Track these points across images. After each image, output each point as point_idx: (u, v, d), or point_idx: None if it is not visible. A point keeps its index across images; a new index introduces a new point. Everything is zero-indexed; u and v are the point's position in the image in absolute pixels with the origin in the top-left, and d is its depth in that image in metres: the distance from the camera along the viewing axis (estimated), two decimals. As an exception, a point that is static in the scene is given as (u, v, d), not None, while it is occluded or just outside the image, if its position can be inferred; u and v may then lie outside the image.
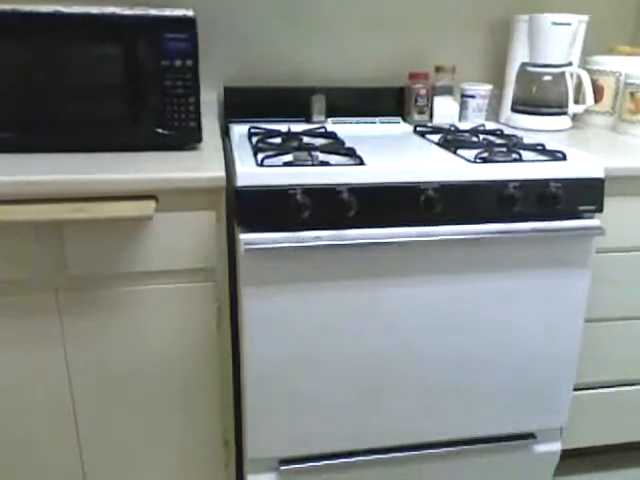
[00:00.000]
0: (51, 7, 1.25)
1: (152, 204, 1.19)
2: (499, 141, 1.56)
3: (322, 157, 1.33)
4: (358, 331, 1.32)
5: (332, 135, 1.55)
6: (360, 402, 1.38)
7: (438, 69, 1.77)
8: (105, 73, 1.30)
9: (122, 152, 1.32)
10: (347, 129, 1.68)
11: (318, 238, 1.23)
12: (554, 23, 1.67)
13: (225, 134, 1.68)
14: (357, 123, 1.75)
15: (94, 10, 1.27)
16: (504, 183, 1.29)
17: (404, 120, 1.80)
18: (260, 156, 1.31)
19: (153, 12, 1.30)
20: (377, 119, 1.78)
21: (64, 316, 1.25)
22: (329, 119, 1.74)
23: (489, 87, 1.81)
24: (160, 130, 1.34)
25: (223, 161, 1.29)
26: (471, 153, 1.39)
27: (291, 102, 1.73)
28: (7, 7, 1.24)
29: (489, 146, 1.47)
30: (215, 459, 1.45)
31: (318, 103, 1.71)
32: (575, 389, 1.54)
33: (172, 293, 1.28)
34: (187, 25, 1.30)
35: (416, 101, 1.76)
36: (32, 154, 1.28)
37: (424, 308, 1.33)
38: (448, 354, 1.38)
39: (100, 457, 1.38)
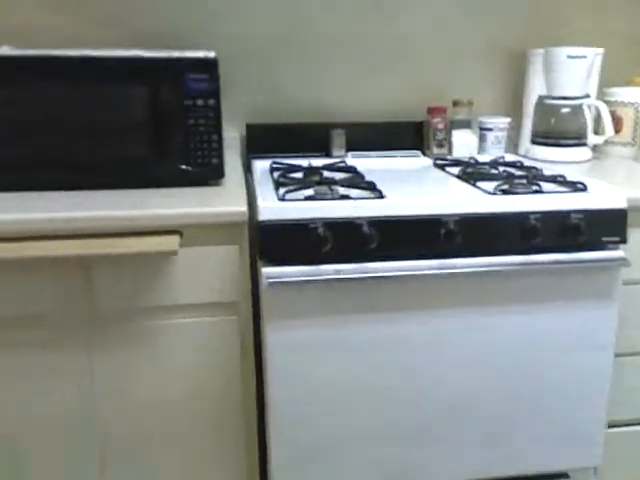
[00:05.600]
0: (80, 51, 1.30)
1: (177, 239, 1.21)
2: (519, 173, 1.57)
3: (342, 191, 1.35)
4: (380, 364, 1.31)
5: (352, 169, 1.57)
6: (386, 441, 1.36)
7: (455, 103, 1.80)
8: (131, 113, 1.34)
9: (147, 188, 1.35)
10: (367, 163, 1.70)
11: (339, 271, 1.23)
12: (570, 56, 1.69)
13: (247, 169, 1.71)
14: (377, 157, 1.77)
15: (120, 53, 1.32)
16: (525, 215, 1.29)
17: (424, 154, 1.82)
18: (281, 190, 1.33)
19: (176, 54, 1.34)
20: (397, 153, 1.80)
21: (91, 350, 1.27)
22: (349, 153, 1.77)
23: (507, 120, 1.82)
24: (184, 167, 1.37)
25: (245, 196, 1.31)
26: (491, 185, 1.39)
27: (311, 137, 1.76)
28: (39, 51, 1.29)
29: (509, 178, 1.48)
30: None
31: (338, 138, 1.74)
32: (609, 426, 1.50)
33: (196, 327, 1.29)
34: (209, 66, 1.34)
35: (435, 135, 1.78)
36: (61, 192, 1.32)
37: (445, 342, 1.32)
38: (472, 391, 1.36)
39: (123, 493, 1.38)
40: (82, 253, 1.15)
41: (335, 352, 1.28)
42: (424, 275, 1.26)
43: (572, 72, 1.71)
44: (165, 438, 1.35)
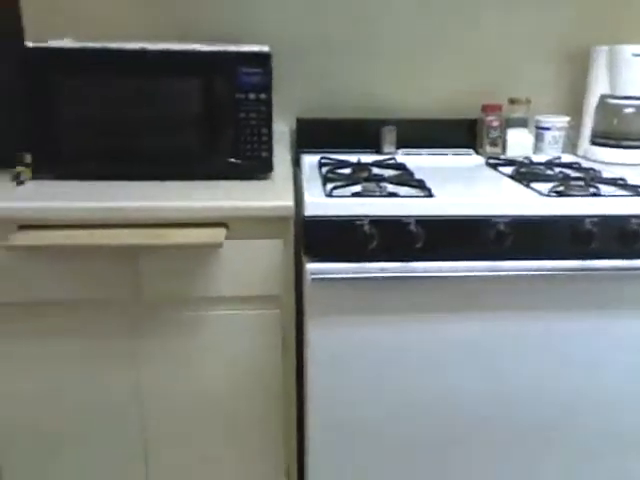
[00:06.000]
0: (137, 44, 1.33)
1: (223, 231, 1.22)
2: (576, 174, 1.51)
3: (391, 188, 1.32)
4: (420, 366, 1.29)
5: (402, 166, 1.55)
6: (427, 443, 1.34)
7: (512, 101, 1.74)
8: (183, 105, 1.36)
9: (197, 180, 1.37)
10: (417, 161, 1.67)
11: (384, 270, 1.22)
12: (635, 54, 1.61)
13: (296, 164, 1.71)
14: (428, 155, 1.74)
15: (176, 47, 1.34)
16: (580, 218, 1.24)
17: (476, 152, 1.78)
18: (329, 186, 1.32)
19: (231, 48, 1.35)
20: (448, 151, 1.76)
21: (137, 337, 1.29)
22: (399, 150, 1.74)
23: (566, 119, 1.76)
24: (233, 160, 1.38)
25: (292, 191, 1.31)
26: (545, 186, 1.34)
27: (362, 133, 1.74)
28: (97, 44, 1.33)
29: (565, 179, 1.42)
30: (275, 489, 1.44)
31: (389, 134, 1.72)
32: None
33: (239, 319, 1.30)
34: (262, 60, 1.34)
35: (488, 133, 1.73)
36: (113, 182, 1.35)
37: (490, 346, 1.28)
38: (511, 397, 1.32)
39: (165, 477, 1.41)
40: (131, 243, 1.18)
41: (376, 351, 1.27)
42: (471, 277, 1.23)
43: (637, 71, 1.63)
44: (207, 426, 1.37)
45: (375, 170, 1.50)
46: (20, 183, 1.35)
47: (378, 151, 1.73)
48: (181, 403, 1.35)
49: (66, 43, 1.38)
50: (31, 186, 1.33)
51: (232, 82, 1.35)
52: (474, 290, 1.25)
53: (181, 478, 1.41)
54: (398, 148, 1.74)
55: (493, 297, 1.26)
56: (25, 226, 1.21)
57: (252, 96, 1.35)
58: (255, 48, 1.36)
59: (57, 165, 1.37)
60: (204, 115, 1.36)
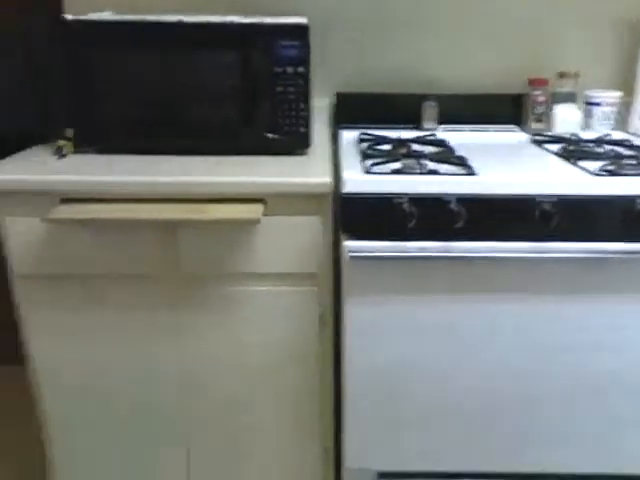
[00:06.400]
0: (174, 17, 1.31)
1: (260, 208, 1.21)
2: (628, 152, 1.44)
3: (431, 166, 1.29)
4: (459, 346, 1.26)
5: (443, 143, 1.50)
6: (464, 420, 1.32)
7: (561, 75, 1.67)
8: (220, 79, 1.34)
9: (233, 155, 1.36)
10: (459, 137, 1.62)
11: (423, 249, 1.19)
12: (697, 24, 1.52)
13: (335, 140, 1.68)
14: (470, 131, 1.68)
15: (214, 19, 1.32)
16: (632, 199, 1.18)
17: (521, 129, 1.72)
18: (368, 163, 1.29)
19: (268, 20, 1.33)
20: (492, 127, 1.70)
21: (177, 311, 1.31)
22: (441, 126, 1.69)
23: (618, 94, 1.67)
24: (270, 135, 1.36)
25: (331, 167, 1.29)
26: (595, 165, 1.29)
27: (402, 109, 1.70)
28: (135, 17, 1.32)
29: (616, 158, 1.36)
30: (314, 466, 1.45)
31: (430, 110, 1.67)
32: None
33: (276, 296, 1.30)
34: (300, 33, 1.31)
35: (534, 108, 1.67)
36: (152, 156, 1.35)
37: (532, 328, 1.25)
38: (553, 380, 1.29)
39: (204, 451, 1.43)
40: (171, 217, 1.18)
41: (414, 330, 1.25)
42: (514, 258, 1.19)
43: (698, 42, 1.54)
44: (246, 398, 1.38)
45: (415, 147, 1.47)
46: (62, 157, 1.36)
47: (418, 127, 1.69)
48: (220, 376, 1.36)
49: (105, 16, 1.38)
50: (73, 160, 1.34)
51: (270, 55, 1.32)
52: (517, 271, 1.21)
53: (221, 450, 1.43)
54: (440, 124, 1.69)
55: (536, 280, 1.22)
56: (67, 199, 1.23)
57: (290, 70, 1.32)
58: (293, 20, 1.33)
59: (98, 139, 1.38)
60: (241, 89, 1.34)
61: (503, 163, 1.34)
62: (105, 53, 1.32)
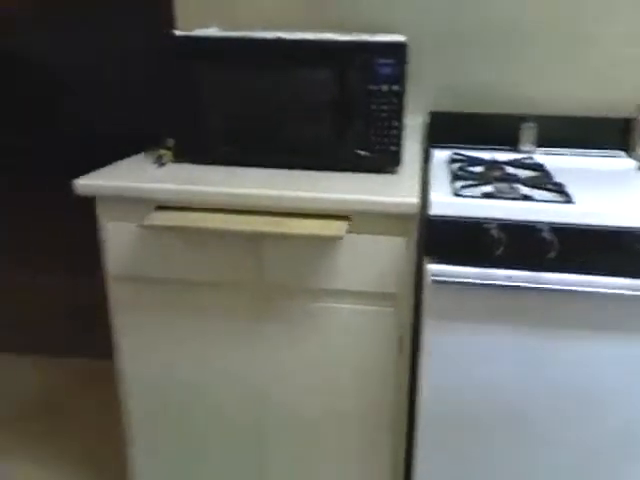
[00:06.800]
0: (274, 33, 1.35)
1: (344, 224, 1.21)
2: None
3: (525, 191, 1.24)
4: (542, 384, 1.20)
5: (540, 167, 1.44)
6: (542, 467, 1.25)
7: (677, 99, 1.55)
8: (316, 95, 1.36)
9: (322, 171, 1.37)
10: (558, 161, 1.54)
11: (511, 278, 1.14)
12: None
13: (426, 159, 1.66)
14: (571, 155, 1.60)
15: (312, 36, 1.34)
16: None
17: (628, 155, 1.61)
18: (457, 185, 1.26)
19: (366, 38, 1.33)
20: (595, 152, 1.61)
21: (257, 321, 1.33)
22: (539, 149, 1.62)
23: None
24: (361, 152, 1.36)
25: (419, 187, 1.27)
26: None
27: (498, 129, 1.64)
28: (237, 33, 1.37)
29: None
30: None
31: (528, 132, 1.60)
32: None
33: (355, 314, 1.29)
34: (397, 51, 1.31)
35: (645, 134, 1.56)
36: (246, 168, 1.39)
37: (628, 371, 1.16)
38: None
39: (274, 461, 1.45)
40: (261, 230, 1.21)
41: (494, 361, 1.20)
42: (611, 294, 1.11)
43: None
44: (317, 413, 1.38)
45: (509, 170, 1.42)
46: (161, 165, 1.43)
47: (515, 149, 1.63)
48: (293, 388, 1.37)
49: (210, 32, 1.44)
50: (171, 169, 1.41)
51: (365, 72, 1.32)
52: (612, 309, 1.14)
53: (289, 463, 1.44)
54: (538, 146, 1.63)
55: (633, 318, 1.13)
56: (162, 207, 1.29)
57: (385, 87, 1.32)
58: (390, 38, 1.32)
59: (196, 150, 1.44)
60: (335, 105, 1.35)
61: (604, 192, 1.27)
62: (207, 67, 1.37)
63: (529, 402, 1.22)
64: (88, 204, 1.33)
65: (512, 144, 1.63)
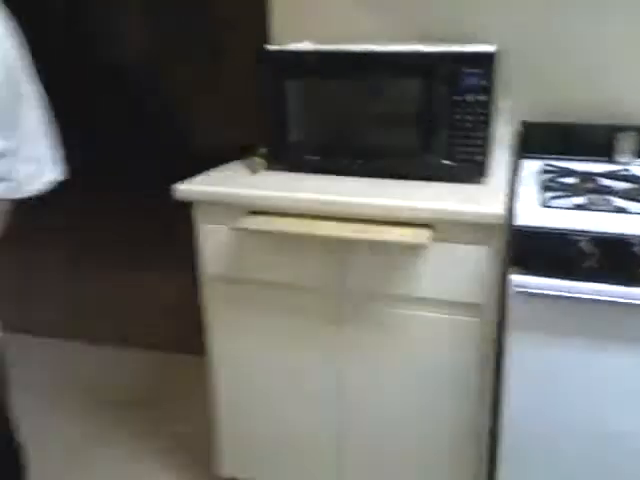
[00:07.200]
0: (363, 46, 1.38)
1: (428, 233, 1.23)
2: None
3: (619, 203, 1.20)
4: (632, 403, 1.14)
5: (636, 179, 1.38)
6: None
7: None
8: (403, 105, 1.39)
9: (408, 180, 1.38)
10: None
11: (600, 292, 1.11)
12: None
13: (516, 170, 1.63)
14: (675, 167, 1.52)
15: (400, 48, 1.36)
16: None
17: None
18: (547, 195, 1.24)
19: (454, 48, 1.34)
20: (702, 164, 1.52)
21: (341, 325, 1.37)
22: (638, 160, 1.55)
23: None
24: (446, 162, 1.37)
25: (505, 197, 1.26)
26: None
27: (593, 140, 1.58)
28: (327, 47, 1.42)
29: None
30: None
31: (625, 141, 1.54)
32: None
33: (437, 322, 1.30)
34: (483, 61, 1.30)
35: None
36: (334, 176, 1.43)
37: None
38: None
39: (354, 467, 1.47)
40: (347, 236, 1.25)
41: (581, 377, 1.16)
42: None
43: None
44: (395, 421, 1.40)
45: (604, 181, 1.37)
46: (255, 172, 1.51)
47: (611, 161, 1.57)
48: (372, 395, 1.39)
49: (302, 46, 1.50)
50: (263, 176, 1.48)
51: (452, 83, 1.32)
52: None
53: (370, 468, 1.46)
54: (637, 157, 1.55)
55: None
56: (254, 211, 1.36)
57: (470, 98, 1.32)
58: (478, 48, 1.32)
59: (287, 158, 1.50)
60: (421, 115, 1.37)
61: None
62: (299, 80, 1.43)
63: (625, 423, 1.17)
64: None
65: (608, 155, 1.57)
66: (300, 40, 1.61)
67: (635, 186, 1.33)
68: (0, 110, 0.96)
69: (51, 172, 1.06)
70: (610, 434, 1.18)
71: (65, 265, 2.46)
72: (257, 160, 1.53)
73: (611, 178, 1.40)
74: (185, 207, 1.40)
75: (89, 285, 2.44)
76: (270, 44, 1.51)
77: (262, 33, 1.80)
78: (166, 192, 1.39)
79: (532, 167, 1.55)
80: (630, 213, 1.13)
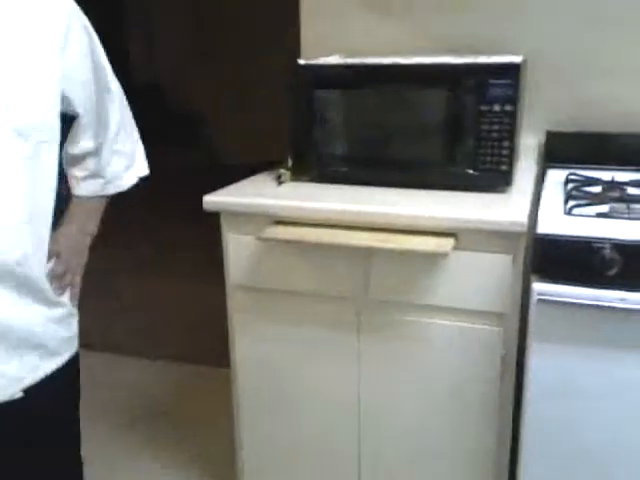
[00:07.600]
0: (391, 59, 1.41)
1: (451, 242, 1.24)
2: None
3: (644, 211, 1.19)
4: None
5: (665, 188, 1.37)
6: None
7: None
8: (429, 116, 1.41)
9: (432, 190, 1.40)
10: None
11: (624, 300, 1.10)
12: None
13: (541, 179, 1.62)
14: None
15: (426, 60, 1.39)
16: None
17: None
18: (570, 204, 1.24)
19: (481, 60, 1.35)
20: None
21: (362, 334, 1.38)
22: (666, 169, 1.53)
23: None
24: (471, 171, 1.38)
25: (528, 206, 1.26)
26: None
27: (621, 149, 1.57)
28: (355, 60, 1.45)
29: None
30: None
31: (655, 151, 1.52)
32: None
33: (459, 331, 1.30)
34: (511, 71, 1.32)
35: None
36: (358, 186, 1.45)
37: None
38: None
39: (376, 474, 1.48)
40: (370, 245, 1.27)
41: (604, 387, 1.15)
42: None
43: None
44: (413, 428, 1.40)
45: (630, 190, 1.36)
46: (281, 183, 1.54)
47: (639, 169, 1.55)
48: (393, 402, 1.40)
49: (332, 60, 1.54)
50: (289, 187, 1.51)
51: (478, 93, 1.34)
52: None
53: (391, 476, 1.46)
54: (667, 166, 1.53)
55: None
56: (279, 221, 1.39)
57: (496, 108, 1.33)
58: (504, 59, 1.34)
59: (313, 169, 1.53)
60: (447, 125, 1.38)
61: None
62: (327, 93, 1.46)
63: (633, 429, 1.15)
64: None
65: (637, 164, 1.56)
66: (329, 54, 1.65)
67: (662, 194, 1.32)
68: (91, 108, 0.98)
69: (139, 167, 1.10)
70: (633, 447, 1.16)
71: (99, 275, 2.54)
72: (283, 171, 1.56)
73: (638, 186, 1.39)
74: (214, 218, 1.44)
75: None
76: (301, 59, 1.55)
77: (294, 49, 1.85)
78: (196, 204, 1.43)
79: (557, 176, 1.55)
80: (655, 221, 1.12)
